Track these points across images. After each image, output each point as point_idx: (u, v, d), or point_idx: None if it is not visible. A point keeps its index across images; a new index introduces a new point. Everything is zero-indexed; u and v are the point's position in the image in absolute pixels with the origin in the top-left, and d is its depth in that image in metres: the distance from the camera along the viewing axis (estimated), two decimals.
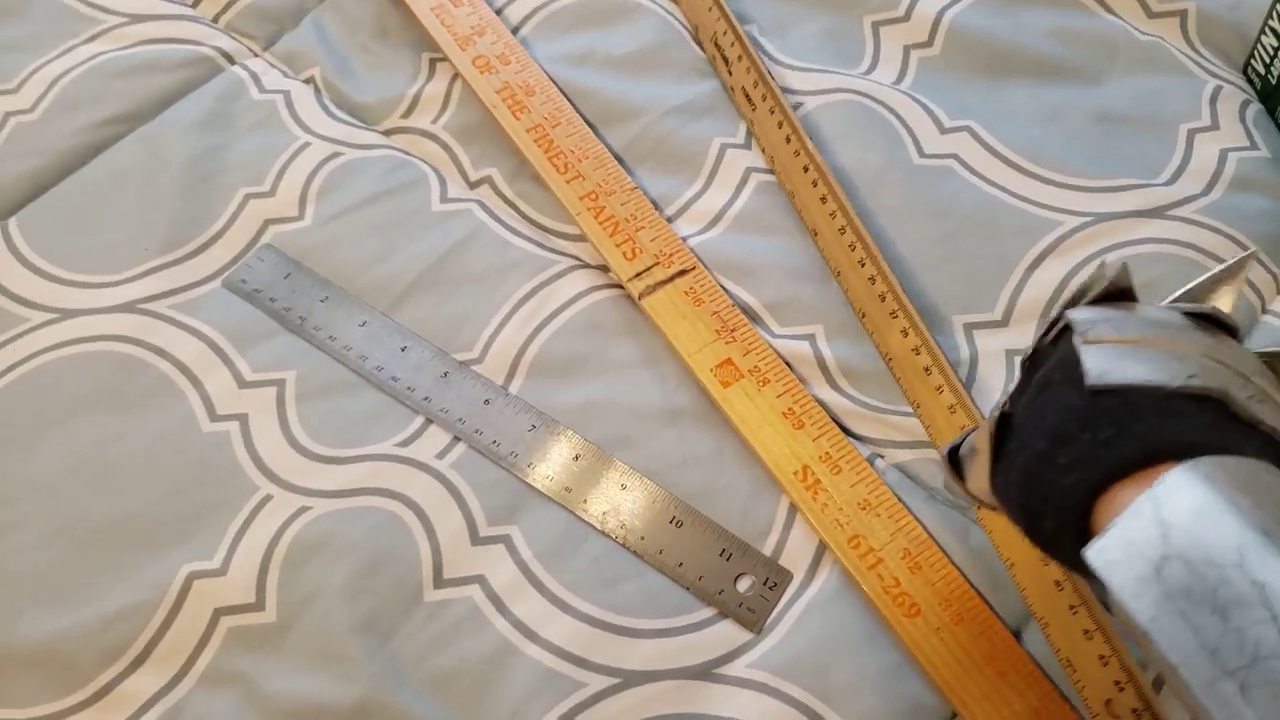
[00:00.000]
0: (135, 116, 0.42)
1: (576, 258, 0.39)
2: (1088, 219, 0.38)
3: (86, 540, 0.32)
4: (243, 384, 0.35)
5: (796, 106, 0.41)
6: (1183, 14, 0.43)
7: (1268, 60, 0.40)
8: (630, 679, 0.30)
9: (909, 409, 0.34)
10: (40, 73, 0.42)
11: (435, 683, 0.30)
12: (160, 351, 0.36)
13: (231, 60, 0.44)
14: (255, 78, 0.43)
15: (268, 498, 0.33)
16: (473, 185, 0.41)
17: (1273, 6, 0.39)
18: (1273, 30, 0.40)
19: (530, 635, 0.31)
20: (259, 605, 0.31)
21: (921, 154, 0.40)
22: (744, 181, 0.39)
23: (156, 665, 0.30)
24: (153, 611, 0.31)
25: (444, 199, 0.40)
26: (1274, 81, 0.40)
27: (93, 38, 0.43)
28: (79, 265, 0.38)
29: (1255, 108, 0.41)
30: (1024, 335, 0.36)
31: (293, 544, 0.32)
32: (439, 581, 0.32)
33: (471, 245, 0.39)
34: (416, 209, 0.40)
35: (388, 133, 0.42)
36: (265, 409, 0.35)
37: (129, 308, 0.37)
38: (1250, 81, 0.42)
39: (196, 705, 0.30)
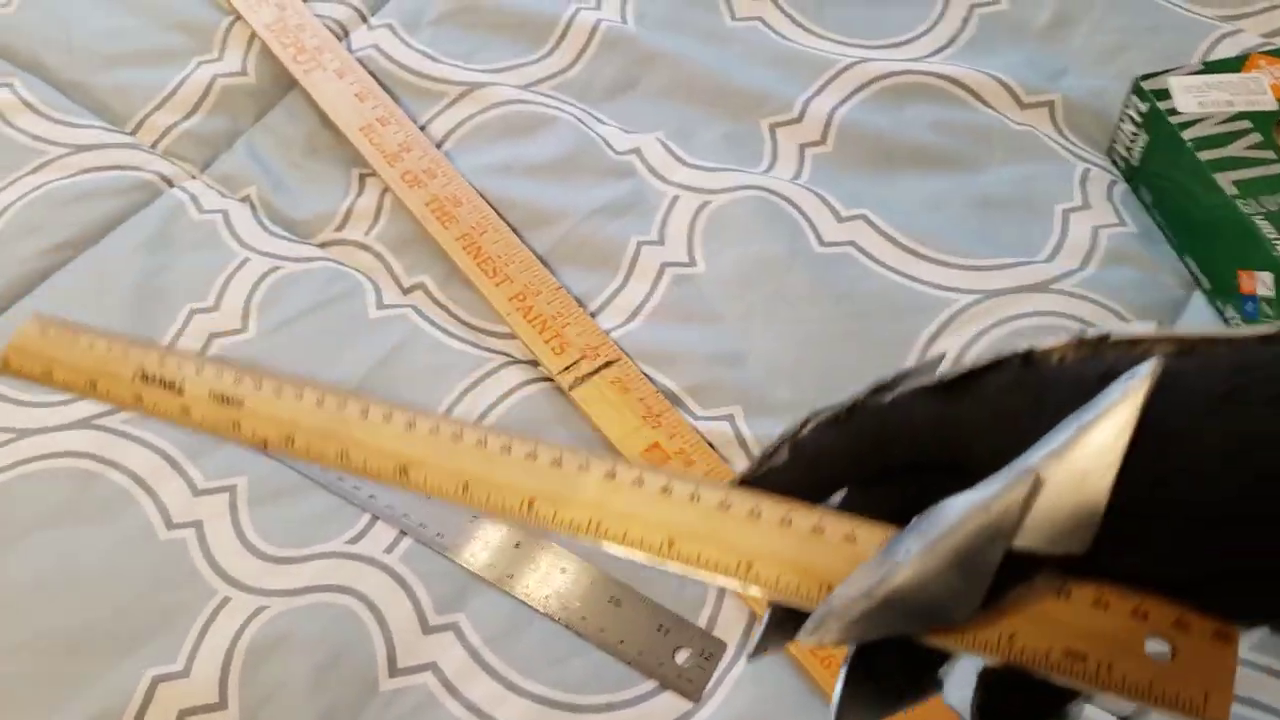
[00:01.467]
0: (82, 241, 0.45)
1: (508, 354, 0.42)
2: (977, 296, 0.42)
3: (51, 651, 0.34)
4: (196, 492, 0.38)
5: (703, 205, 0.45)
6: (1051, 104, 0.49)
7: (1128, 144, 0.46)
8: None
9: None
10: None
11: None
12: (114, 464, 0.39)
13: (170, 184, 0.47)
14: (194, 199, 0.46)
15: (226, 599, 0.35)
16: (406, 291, 0.44)
17: (1128, 96, 0.45)
18: (1129, 117, 0.45)
19: (484, 718, 0.33)
20: (222, 704, 0.33)
21: (822, 243, 0.44)
22: (660, 275, 0.43)
23: None
24: (119, 718, 0.33)
25: (380, 306, 0.43)
26: (1135, 163, 0.46)
27: (38, 168, 0.46)
28: (32, 385, 0.41)
29: (1121, 187, 0.46)
30: None
31: (252, 643, 0.34)
32: (393, 670, 0.34)
33: (409, 348, 0.42)
34: (354, 316, 0.43)
35: (323, 245, 0.46)
36: (219, 514, 0.37)
37: (83, 424, 0.39)
38: (1115, 163, 0.47)
39: None
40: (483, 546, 0.37)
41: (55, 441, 0.39)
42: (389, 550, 0.37)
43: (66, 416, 0.40)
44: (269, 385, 0.23)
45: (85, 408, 0.40)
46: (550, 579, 0.36)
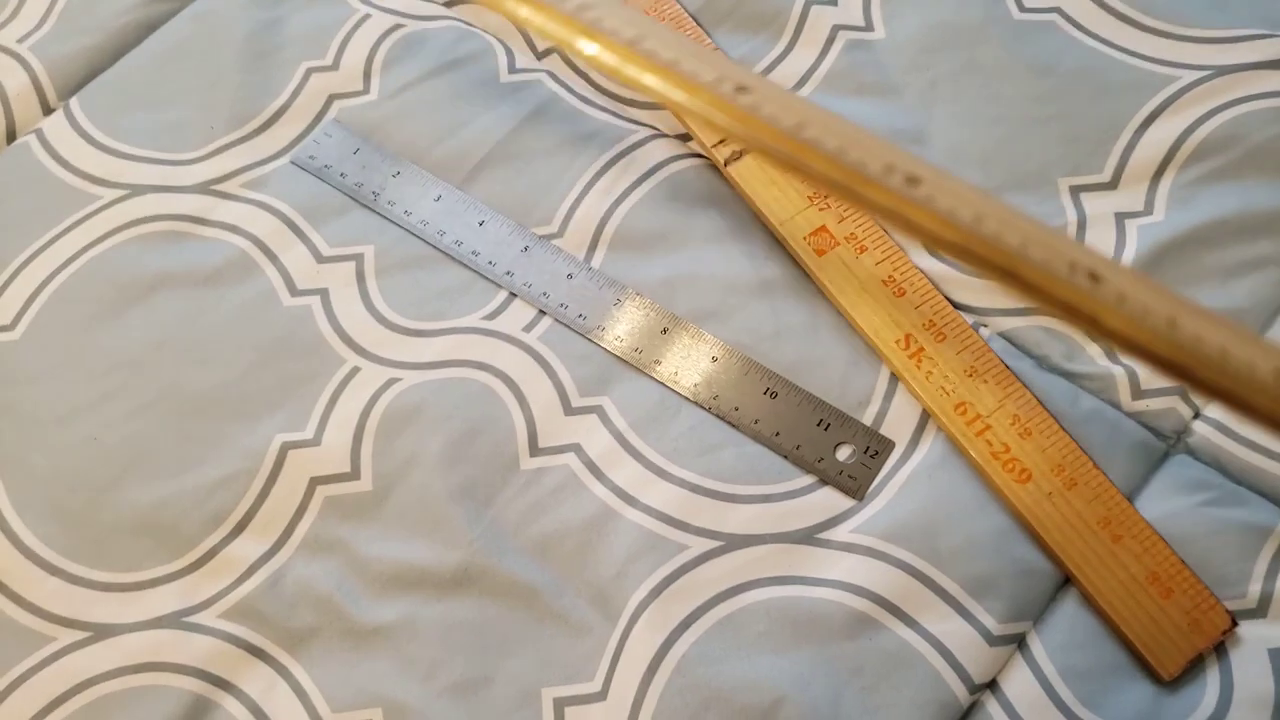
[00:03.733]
0: None
1: (654, 127, 0.39)
2: (1206, 72, 0.37)
3: (179, 411, 0.34)
4: (320, 259, 0.36)
5: None
6: None
7: None
8: (732, 542, 0.31)
9: None
10: None
11: (537, 547, 0.31)
12: (234, 229, 0.37)
13: None
14: None
15: (356, 369, 0.34)
16: (540, 56, 0.41)
17: None
18: None
19: (630, 500, 0.32)
20: (354, 474, 0.32)
21: (1022, 8, 0.39)
22: (831, 40, 0.39)
23: (257, 532, 0.32)
24: (251, 480, 0.32)
25: (512, 69, 0.40)
26: None
27: None
28: (146, 143, 0.39)
29: None
30: (1134, 197, 0.36)
31: (385, 415, 0.33)
32: (534, 450, 0.33)
33: (544, 116, 0.39)
34: (484, 80, 0.40)
35: (449, 3, 0.42)
36: (345, 283, 0.36)
37: (201, 188, 0.38)
38: None
39: (298, 570, 0.31)
40: (628, 330, 0.35)
41: (172, 203, 0.38)
42: (528, 329, 0.35)
43: (183, 179, 0.38)
44: None
45: (203, 168, 0.38)
46: (701, 367, 0.34)
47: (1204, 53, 0.38)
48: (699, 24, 0.40)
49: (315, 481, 0.32)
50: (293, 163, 0.39)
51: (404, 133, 0.39)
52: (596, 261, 0.36)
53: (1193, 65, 0.37)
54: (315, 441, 0.33)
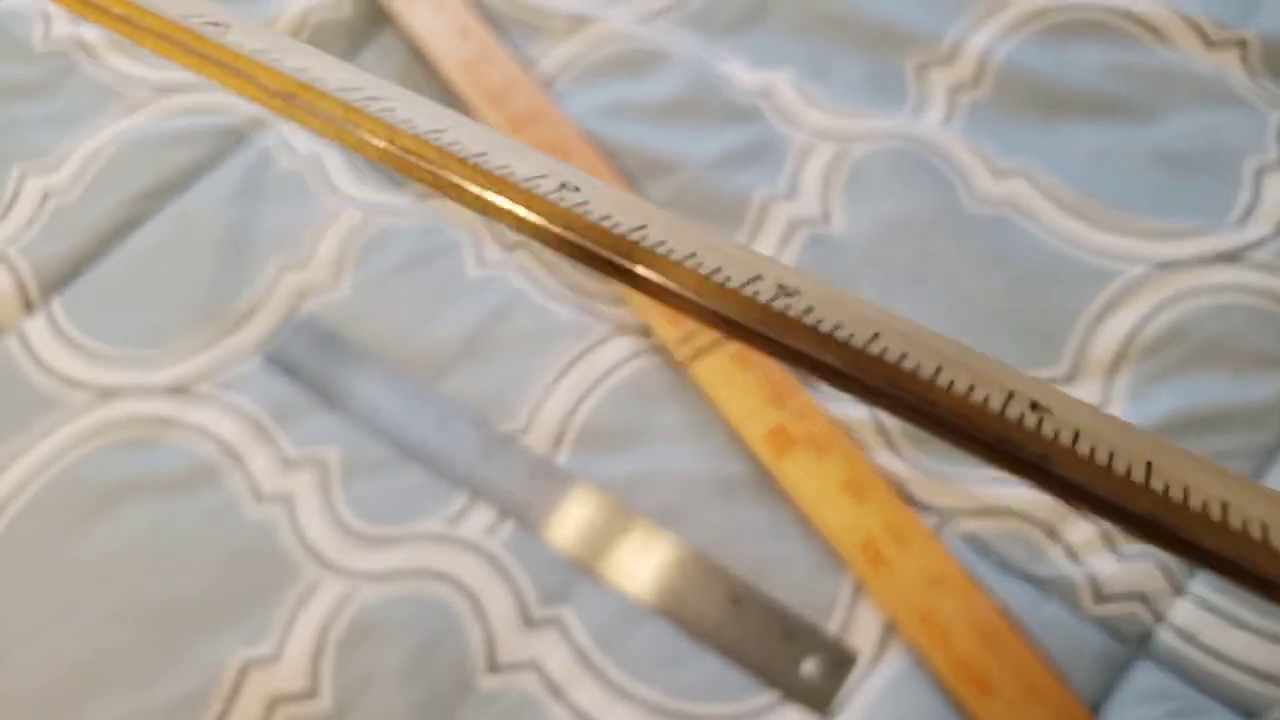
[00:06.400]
0: (168, 190, 0.43)
1: (618, 322, 0.40)
2: (1152, 266, 0.38)
3: (142, 624, 0.34)
4: (286, 464, 0.37)
5: (840, 155, 0.42)
6: (1243, 43, 0.44)
7: None
8: None
9: (978, 470, 0.35)
10: (78, 149, 0.44)
11: None
12: (203, 431, 0.38)
13: (261, 126, 0.45)
14: (286, 143, 0.45)
15: (317, 581, 0.34)
16: (509, 249, 0.42)
17: None
18: None
19: None
20: (314, 692, 0.32)
21: (974, 200, 0.40)
22: (790, 234, 0.40)
23: None
24: (210, 702, 0.32)
25: (479, 264, 0.41)
26: None
27: (130, 110, 0.45)
28: (123, 342, 0.40)
29: None
30: (1092, 391, 0.36)
31: (346, 628, 0.33)
32: (493, 667, 0.33)
33: (511, 312, 0.40)
34: (453, 275, 0.41)
35: (421, 195, 0.44)
36: (310, 489, 0.36)
37: (173, 389, 0.38)
38: None
39: None
40: (591, 532, 0.35)
41: (143, 406, 0.38)
42: (489, 533, 0.35)
43: (155, 381, 0.39)
44: None
45: (175, 370, 0.39)
46: (662, 571, 0.34)
47: (1150, 246, 0.39)
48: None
49: (275, 702, 0.32)
50: (265, 360, 0.39)
51: (374, 329, 0.40)
52: (562, 457, 0.37)
53: (1140, 258, 0.38)
54: (276, 656, 0.33)
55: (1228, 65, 0.43)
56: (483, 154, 0.19)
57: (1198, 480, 0.16)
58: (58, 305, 0.41)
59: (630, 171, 0.42)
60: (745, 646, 0.33)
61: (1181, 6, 0.44)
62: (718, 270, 0.18)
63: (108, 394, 0.39)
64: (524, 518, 0.35)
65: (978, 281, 0.39)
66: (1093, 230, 0.39)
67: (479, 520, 0.35)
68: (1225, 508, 0.15)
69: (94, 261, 0.42)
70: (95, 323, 0.40)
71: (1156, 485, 0.15)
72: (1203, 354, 0.36)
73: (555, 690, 0.32)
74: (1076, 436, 0.16)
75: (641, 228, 0.18)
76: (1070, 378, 0.37)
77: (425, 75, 0.46)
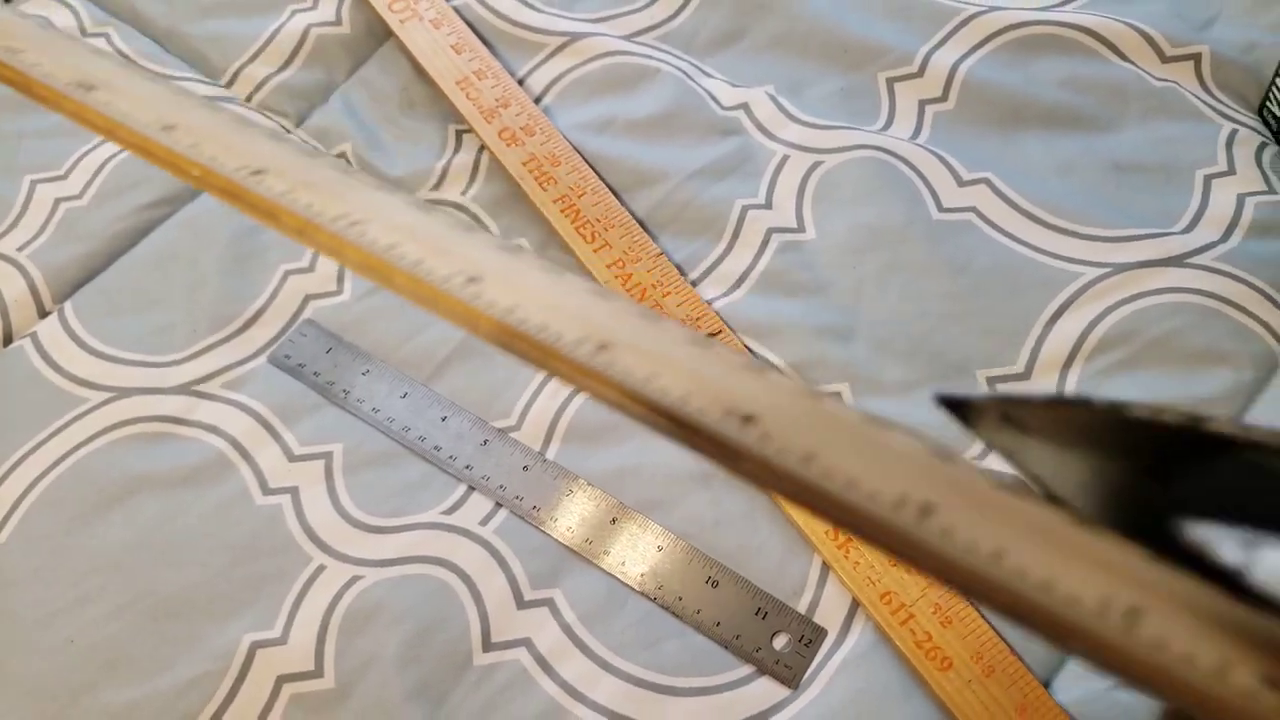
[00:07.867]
0: (176, 199, 0.46)
1: None
2: (1106, 270, 0.41)
3: (154, 612, 0.36)
4: (292, 458, 0.39)
5: (815, 166, 0.44)
6: (1196, 58, 0.46)
7: None
8: None
9: None
10: (86, 159, 0.47)
11: None
12: (213, 429, 0.40)
13: None
14: None
15: (321, 568, 0.37)
16: None
17: None
18: None
19: (578, 696, 0.34)
20: (318, 672, 0.35)
21: (940, 208, 0.43)
22: (766, 242, 0.43)
23: None
24: (220, 680, 0.35)
25: None
26: None
27: None
28: (133, 346, 0.42)
29: (1272, 150, 0.44)
30: (1047, 386, 0.39)
31: (347, 612, 0.35)
32: (487, 645, 0.35)
33: None
34: None
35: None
36: (314, 481, 0.39)
37: (183, 389, 0.41)
38: (1266, 124, 0.45)
39: None
40: (579, 521, 0.37)
41: (155, 404, 0.41)
42: (484, 522, 0.37)
43: (167, 380, 0.41)
44: None
45: (185, 370, 0.41)
46: (647, 557, 0.37)
47: (1104, 250, 0.41)
48: (645, 228, 0.44)
49: (281, 680, 0.35)
50: (270, 362, 0.42)
51: (374, 331, 0.42)
52: (552, 452, 0.39)
53: (1094, 262, 0.41)
54: (282, 640, 0.35)
55: (1182, 78, 0.46)
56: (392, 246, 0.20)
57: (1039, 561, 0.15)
58: (70, 310, 0.43)
59: (617, 183, 0.45)
60: (722, 624, 0.35)
61: (1138, 22, 0.46)
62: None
63: (120, 394, 0.41)
64: (517, 508, 0.38)
65: (943, 285, 0.41)
66: (1051, 236, 0.42)
67: (475, 510, 0.38)
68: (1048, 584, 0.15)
69: (104, 267, 0.45)
70: (106, 326, 0.43)
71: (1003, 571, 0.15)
72: (1152, 351, 0.39)
73: (545, 664, 0.35)
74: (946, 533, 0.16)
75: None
76: (1027, 374, 0.39)
77: (426, 90, 0.48)
